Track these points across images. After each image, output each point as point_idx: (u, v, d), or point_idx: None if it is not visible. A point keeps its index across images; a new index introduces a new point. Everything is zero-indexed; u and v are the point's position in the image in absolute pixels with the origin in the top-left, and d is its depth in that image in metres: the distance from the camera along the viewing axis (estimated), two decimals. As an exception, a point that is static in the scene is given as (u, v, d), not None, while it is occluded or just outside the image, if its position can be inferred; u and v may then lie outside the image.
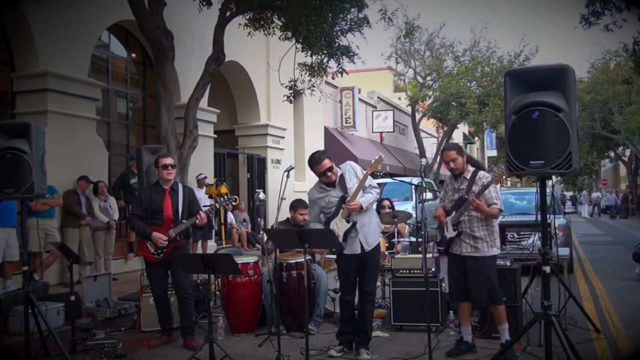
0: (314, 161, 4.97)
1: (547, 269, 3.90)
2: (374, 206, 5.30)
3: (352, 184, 4.98)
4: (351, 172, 5.06)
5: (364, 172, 5.07)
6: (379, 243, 5.15)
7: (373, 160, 4.95)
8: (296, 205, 6.37)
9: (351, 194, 4.92)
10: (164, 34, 8.26)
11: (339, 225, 4.94)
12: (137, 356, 5.24)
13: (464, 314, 5.06)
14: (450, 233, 4.95)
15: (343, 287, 5.20)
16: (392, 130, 24.73)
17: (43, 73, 8.70)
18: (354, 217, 4.94)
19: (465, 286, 4.92)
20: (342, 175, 5.03)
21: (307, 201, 6.36)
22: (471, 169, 4.99)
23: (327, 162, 4.93)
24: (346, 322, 5.15)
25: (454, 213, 4.95)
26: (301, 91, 11.08)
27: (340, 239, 4.90)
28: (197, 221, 5.40)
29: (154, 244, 5.38)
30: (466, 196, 4.84)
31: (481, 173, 4.94)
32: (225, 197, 6.03)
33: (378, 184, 5.28)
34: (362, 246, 4.96)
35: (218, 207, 5.76)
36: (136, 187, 9.04)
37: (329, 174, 4.96)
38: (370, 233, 5.02)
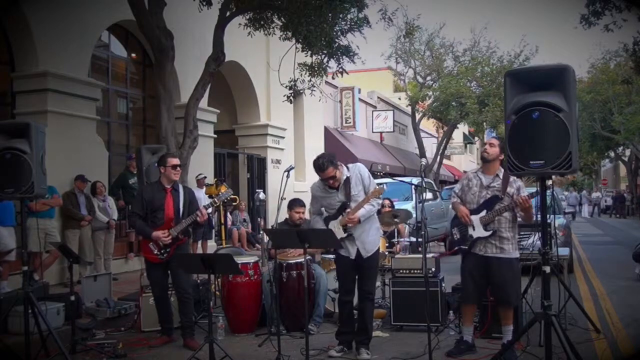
0: (317, 167, 4.88)
1: (547, 269, 3.89)
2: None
3: (356, 190, 4.90)
4: (358, 177, 4.94)
5: (371, 179, 4.97)
6: (378, 247, 5.12)
7: (372, 190, 4.84)
8: (292, 204, 6.33)
9: (353, 205, 4.85)
10: (164, 34, 8.26)
11: (336, 230, 4.89)
12: (137, 356, 5.23)
13: (469, 315, 5.02)
14: (480, 232, 4.80)
15: (341, 288, 5.19)
16: (392, 130, 24.73)
17: (43, 73, 8.71)
18: (350, 229, 4.89)
19: (483, 287, 4.86)
20: (347, 179, 4.93)
21: (303, 201, 6.39)
22: (502, 169, 4.84)
23: (330, 171, 4.82)
24: (345, 322, 5.14)
25: (484, 212, 4.81)
26: (301, 91, 11.08)
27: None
28: (197, 218, 5.40)
29: (156, 244, 5.38)
30: (502, 195, 4.77)
31: (512, 177, 4.79)
32: (223, 192, 5.99)
33: (378, 184, 5.18)
34: (359, 252, 4.93)
35: (217, 202, 5.74)
36: (135, 187, 9.04)
37: (331, 181, 4.89)
38: (369, 241, 4.95)
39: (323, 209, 5.08)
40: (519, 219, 4.92)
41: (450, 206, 5.27)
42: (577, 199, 34.28)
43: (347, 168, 5.02)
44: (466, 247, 4.91)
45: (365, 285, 5.05)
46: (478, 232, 4.82)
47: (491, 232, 4.77)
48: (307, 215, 6.39)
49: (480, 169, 5.05)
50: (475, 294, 4.93)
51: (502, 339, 4.86)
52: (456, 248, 5.08)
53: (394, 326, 5.85)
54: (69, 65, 9.12)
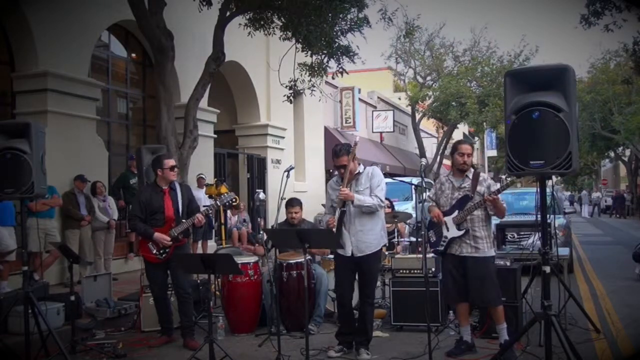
0: (334, 152, 4.94)
1: (547, 269, 3.90)
2: (381, 215, 5.11)
3: (362, 187, 4.92)
4: (368, 176, 4.97)
5: (381, 184, 4.96)
6: (377, 251, 5.07)
7: (351, 147, 4.88)
8: (287, 203, 6.31)
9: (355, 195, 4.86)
10: (164, 34, 8.26)
11: (339, 211, 4.90)
12: (137, 356, 5.24)
13: (463, 314, 5.06)
14: (453, 232, 4.90)
15: (338, 287, 5.17)
16: (392, 130, 24.74)
17: (43, 73, 8.70)
18: (350, 211, 4.86)
19: (464, 286, 4.91)
20: (358, 174, 4.97)
21: (299, 200, 6.43)
22: (471, 170, 5.03)
23: (343, 159, 4.86)
24: (344, 322, 5.15)
25: (456, 212, 4.92)
26: (301, 91, 11.09)
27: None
28: (195, 222, 5.42)
29: (155, 244, 5.38)
30: (472, 195, 4.85)
31: (483, 174, 4.98)
32: (225, 195, 6.01)
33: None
34: (352, 250, 4.92)
35: (219, 204, 5.75)
36: (136, 187, 9.04)
37: (342, 170, 4.91)
38: (363, 240, 4.90)
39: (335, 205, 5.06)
40: (493, 219, 5.00)
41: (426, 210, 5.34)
42: (562, 200, 34.35)
43: (365, 167, 5.08)
44: (441, 249, 5.02)
45: (364, 288, 5.05)
46: (452, 232, 4.93)
47: (464, 231, 4.87)
48: (308, 217, 6.39)
49: (451, 172, 5.17)
50: (456, 293, 4.99)
51: (499, 338, 4.88)
52: (432, 250, 5.22)
53: (394, 326, 5.85)
54: (69, 65, 9.11)
